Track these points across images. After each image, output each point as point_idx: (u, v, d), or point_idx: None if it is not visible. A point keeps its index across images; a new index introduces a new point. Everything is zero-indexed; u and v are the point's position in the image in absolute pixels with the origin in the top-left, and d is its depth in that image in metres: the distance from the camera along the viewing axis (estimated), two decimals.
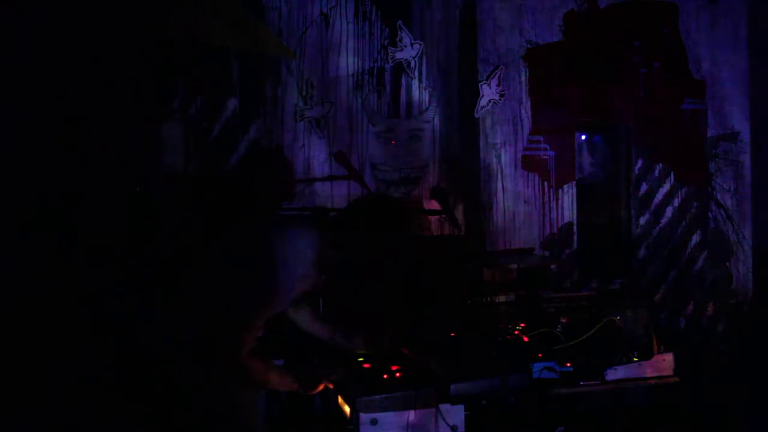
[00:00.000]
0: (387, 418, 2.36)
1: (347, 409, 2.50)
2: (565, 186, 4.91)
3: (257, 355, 2.33)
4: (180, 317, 2.38)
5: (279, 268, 2.30)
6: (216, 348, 2.28)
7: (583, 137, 5.12)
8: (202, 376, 2.33)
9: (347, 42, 4.46)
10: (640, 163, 5.13)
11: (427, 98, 4.62)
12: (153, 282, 3.56)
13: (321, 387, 2.50)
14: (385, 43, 4.54)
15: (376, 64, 4.53)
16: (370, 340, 2.86)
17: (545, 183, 4.86)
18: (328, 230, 2.47)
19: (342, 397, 2.59)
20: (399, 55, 4.55)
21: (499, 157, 4.76)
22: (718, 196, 5.30)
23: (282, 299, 2.39)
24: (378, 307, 2.57)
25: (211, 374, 2.32)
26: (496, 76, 4.74)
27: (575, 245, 4.92)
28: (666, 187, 5.20)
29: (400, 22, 4.55)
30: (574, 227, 4.93)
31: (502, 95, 4.75)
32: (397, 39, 4.55)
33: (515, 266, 4.35)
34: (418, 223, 4.11)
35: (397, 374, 2.60)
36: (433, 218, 4.47)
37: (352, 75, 4.48)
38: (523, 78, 4.82)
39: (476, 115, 4.71)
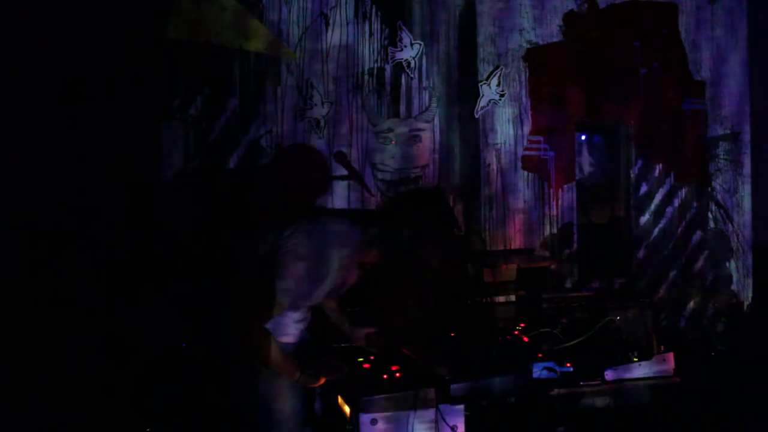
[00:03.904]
0: (387, 418, 2.36)
1: (347, 409, 2.50)
2: (565, 186, 4.91)
3: (268, 334, 2.34)
4: (185, 314, 2.39)
5: (319, 260, 2.32)
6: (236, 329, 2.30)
7: (583, 137, 5.12)
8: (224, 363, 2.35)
9: (347, 42, 4.46)
10: (640, 163, 5.13)
11: (427, 98, 4.62)
12: (153, 280, 3.57)
13: (321, 382, 2.51)
14: (385, 43, 4.54)
15: (376, 64, 4.53)
16: (372, 339, 2.87)
17: (545, 183, 4.86)
18: (373, 223, 2.48)
19: (342, 397, 2.59)
20: (399, 55, 4.55)
21: (499, 157, 4.76)
22: (718, 196, 5.29)
23: (316, 290, 2.39)
24: (415, 299, 2.57)
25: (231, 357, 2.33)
26: (496, 76, 4.73)
27: (575, 245, 4.92)
28: (666, 187, 5.19)
29: (400, 22, 4.55)
30: (574, 227, 4.93)
31: (502, 95, 4.75)
32: (397, 39, 4.54)
33: (515, 266, 4.36)
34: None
35: (397, 374, 2.60)
36: None
37: (352, 75, 4.47)
38: (523, 78, 4.82)
39: (476, 115, 4.71)
